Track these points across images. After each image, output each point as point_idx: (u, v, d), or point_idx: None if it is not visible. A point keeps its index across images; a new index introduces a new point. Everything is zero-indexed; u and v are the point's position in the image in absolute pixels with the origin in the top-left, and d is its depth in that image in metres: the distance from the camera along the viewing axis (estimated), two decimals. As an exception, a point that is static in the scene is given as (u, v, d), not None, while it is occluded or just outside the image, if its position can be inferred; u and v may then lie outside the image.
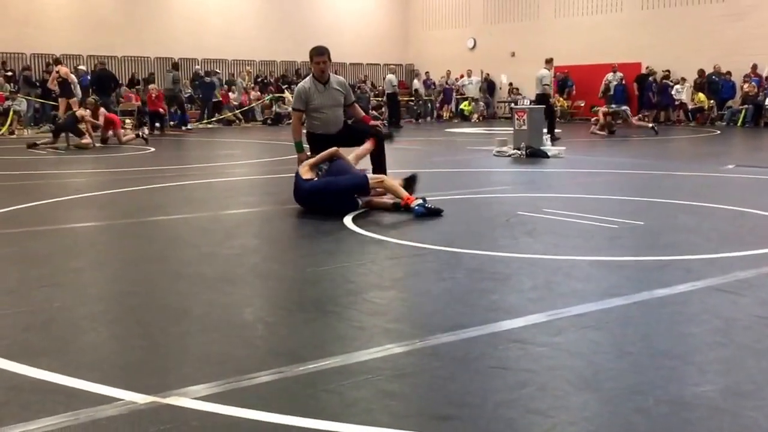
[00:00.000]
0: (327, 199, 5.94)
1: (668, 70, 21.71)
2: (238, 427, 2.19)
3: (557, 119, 23.22)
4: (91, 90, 18.52)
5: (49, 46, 21.78)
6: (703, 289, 3.69)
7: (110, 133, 14.40)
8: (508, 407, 2.32)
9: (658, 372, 2.61)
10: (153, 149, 13.23)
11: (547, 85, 14.88)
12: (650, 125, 17.41)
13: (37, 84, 19.85)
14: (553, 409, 2.31)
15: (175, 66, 20.82)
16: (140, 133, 14.75)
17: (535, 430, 2.18)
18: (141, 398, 2.36)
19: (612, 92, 21.08)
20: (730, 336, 3.01)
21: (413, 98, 25.02)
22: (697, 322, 3.20)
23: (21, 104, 18.15)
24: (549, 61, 15.09)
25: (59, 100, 17.88)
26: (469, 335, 2.99)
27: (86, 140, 13.26)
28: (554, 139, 14.40)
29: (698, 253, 4.52)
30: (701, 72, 21.19)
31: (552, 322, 3.16)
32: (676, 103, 21.44)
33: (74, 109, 15.95)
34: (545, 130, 15.24)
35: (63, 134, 13.49)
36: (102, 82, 18.06)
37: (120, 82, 21.25)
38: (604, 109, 17.72)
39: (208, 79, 21.96)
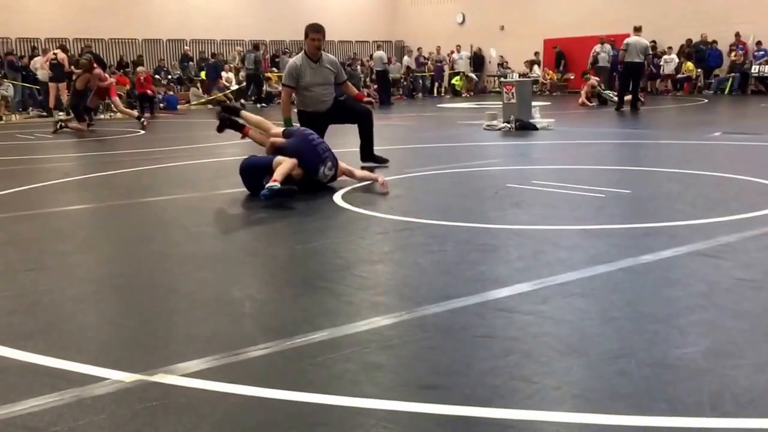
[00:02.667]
0: (247, 176, 5.90)
1: (654, 41, 21.65)
2: (226, 402, 2.21)
3: (547, 93, 23.28)
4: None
5: (35, 30, 21.58)
6: (687, 254, 3.72)
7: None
8: (493, 374, 2.34)
9: (641, 336, 2.64)
10: (143, 132, 13.16)
11: (650, 54, 14.79)
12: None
13: (22, 69, 19.69)
14: (537, 374, 2.33)
15: (256, 47, 21.41)
16: (141, 119, 14.23)
17: (519, 395, 2.20)
18: (128, 377, 2.37)
19: (601, 64, 20.98)
20: (712, 299, 3.04)
21: (404, 75, 24.91)
22: (680, 287, 3.23)
23: (8, 89, 18.02)
24: (640, 29, 14.83)
25: (49, 84, 17.81)
26: (455, 306, 3.01)
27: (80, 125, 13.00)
28: (636, 109, 14.53)
29: (683, 219, 4.56)
30: (689, 41, 21.18)
31: (538, 290, 3.19)
32: (663, 73, 21.42)
33: (63, 95, 15.84)
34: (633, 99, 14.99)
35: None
36: (88, 64, 17.91)
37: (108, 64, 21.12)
38: (593, 81, 17.65)
39: (212, 60, 22.68)
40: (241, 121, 6.68)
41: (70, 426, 2.07)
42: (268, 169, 5.66)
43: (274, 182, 5.42)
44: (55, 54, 17.67)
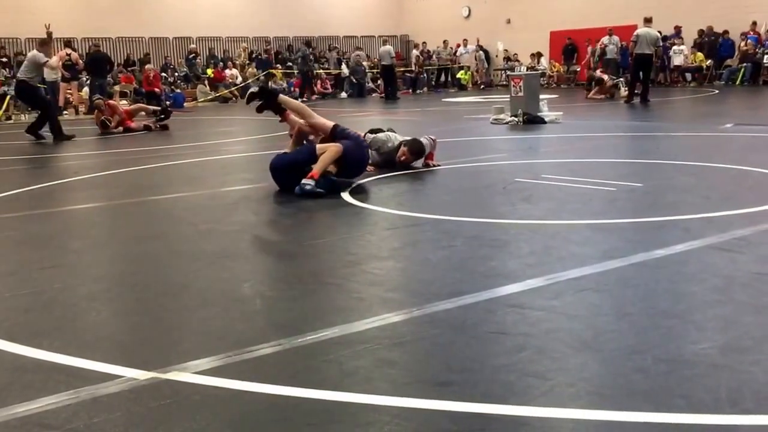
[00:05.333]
0: (282, 170, 5.89)
1: (660, 31, 21.51)
2: (239, 399, 2.21)
3: (554, 85, 23.19)
4: (86, 72, 18.52)
5: (43, 29, 21.59)
6: (701, 248, 3.69)
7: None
8: (507, 371, 2.33)
9: (657, 331, 2.62)
10: (151, 130, 13.15)
11: (660, 46, 14.59)
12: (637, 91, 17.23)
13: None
14: (551, 371, 2.31)
15: (308, 44, 21.78)
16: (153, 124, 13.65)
17: (533, 392, 2.18)
18: (142, 374, 2.38)
19: (609, 56, 20.84)
20: (728, 293, 3.01)
21: (410, 69, 24.91)
22: (695, 281, 3.20)
23: (18, 88, 18.08)
24: (650, 20, 14.57)
25: (62, 84, 17.89)
26: (467, 302, 2.99)
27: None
28: (647, 101, 14.23)
29: (696, 212, 4.51)
30: (700, 32, 21.04)
31: (550, 285, 3.17)
32: (674, 64, 21.28)
33: (72, 94, 15.76)
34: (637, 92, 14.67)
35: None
36: (97, 64, 17.98)
37: (115, 63, 21.23)
38: (600, 73, 17.54)
39: (264, 56, 23.80)
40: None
41: (85, 423, 2.08)
42: (304, 165, 5.65)
43: (311, 179, 5.49)
44: (68, 54, 17.74)
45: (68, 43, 18.97)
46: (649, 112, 13.23)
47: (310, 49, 22.04)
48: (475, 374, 2.31)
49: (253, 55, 24.62)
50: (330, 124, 6.17)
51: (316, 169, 5.58)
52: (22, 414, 2.15)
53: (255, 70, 23.57)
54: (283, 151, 6.22)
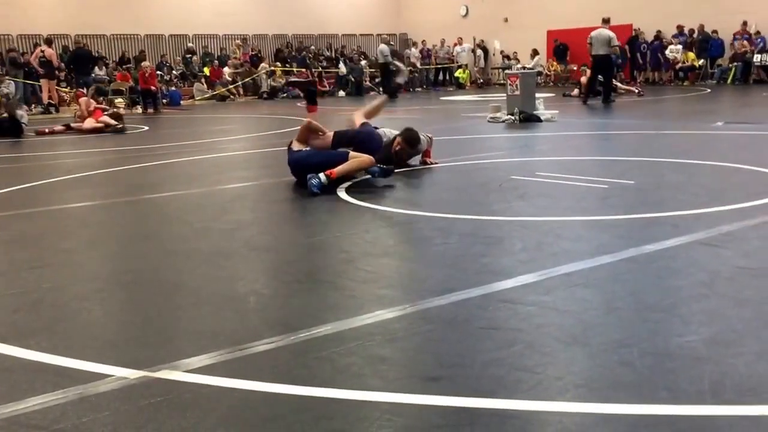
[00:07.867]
0: (306, 170, 5.92)
1: (660, 31, 21.60)
2: (231, 397, 2.21)
3: (551, 84, 23.20)
4: (68, 70, 18.49)
5: (36, 26, 21.56)
6: (689, 244, 3.73)
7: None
8: (497, 366, 2.35)
9: (644, 325, 2.65)
10: (147, 128, 13.16)
11: (617, 45, 14.56)
12: (635, 90, 17.23)
13: (24, 66, 19.74)
14: (540, 365, 2.34)
15: (385, 41, 22.61)
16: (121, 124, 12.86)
17: (523, 386, 2.21)
18: (132, 373, 2.38)
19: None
20: (713, 288, 3.05)
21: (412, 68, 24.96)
22: (682, 276, 3.24)
23: (9, 86, 18.03)
24: (608, 20, 14.55)
25: (41, 80, 17.89)
26: (459, 298, 3.02)
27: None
28: (609, 102, 14.22)
29: (686, 209, 4.57)
30: (691, 31, 21.12)
31: (542, 281, 3.19)
32: (672, 62, 21.32)
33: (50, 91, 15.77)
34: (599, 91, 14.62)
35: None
36: (79, 61, 17.90)
37: (108, 60, 21.19)
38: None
39: (302, 54, 24.31)
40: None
41: (73, 423, 2.08)
42: (329, 165, 5.80)
43: (328, 176, 5.63)
44: (42, 51, 17.69)
45: (49, 40, 18.87)
46: (642, 111, 13.28)
47: (393, 46, 22.45)
48: (466, 369, 2.34)
49: (252, 53, 24.61)
50: (358, 121, 6.76)
51: (338, 171, 5.73)
52: (8, 414, 2.15)
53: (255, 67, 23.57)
54: (297, 149, 6.20)
